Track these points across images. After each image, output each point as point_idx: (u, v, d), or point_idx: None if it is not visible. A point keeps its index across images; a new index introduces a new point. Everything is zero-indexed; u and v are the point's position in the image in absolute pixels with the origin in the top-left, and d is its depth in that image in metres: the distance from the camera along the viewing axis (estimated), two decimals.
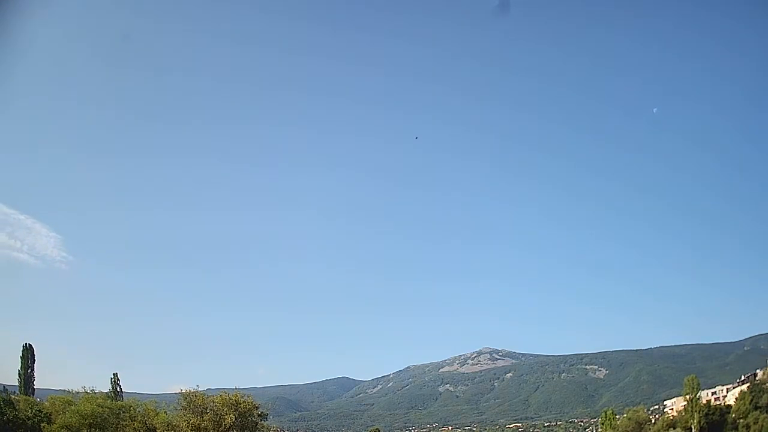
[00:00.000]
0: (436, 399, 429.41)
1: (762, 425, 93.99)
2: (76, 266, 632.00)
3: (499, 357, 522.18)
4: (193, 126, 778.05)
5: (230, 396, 56.21)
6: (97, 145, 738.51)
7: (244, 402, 56.65)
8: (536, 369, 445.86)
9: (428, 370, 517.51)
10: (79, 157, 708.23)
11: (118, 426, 59.18)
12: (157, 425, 57.76)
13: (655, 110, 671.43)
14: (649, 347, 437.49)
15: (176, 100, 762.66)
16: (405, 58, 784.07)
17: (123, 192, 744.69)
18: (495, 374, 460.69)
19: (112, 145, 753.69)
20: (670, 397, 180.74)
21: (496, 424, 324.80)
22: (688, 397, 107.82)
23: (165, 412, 61.62)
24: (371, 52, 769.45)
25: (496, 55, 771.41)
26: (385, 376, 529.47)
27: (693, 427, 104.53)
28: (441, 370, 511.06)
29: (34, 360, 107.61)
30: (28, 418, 62.89)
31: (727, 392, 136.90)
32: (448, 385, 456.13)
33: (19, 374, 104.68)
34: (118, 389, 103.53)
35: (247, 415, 56.94)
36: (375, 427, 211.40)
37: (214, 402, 55.36)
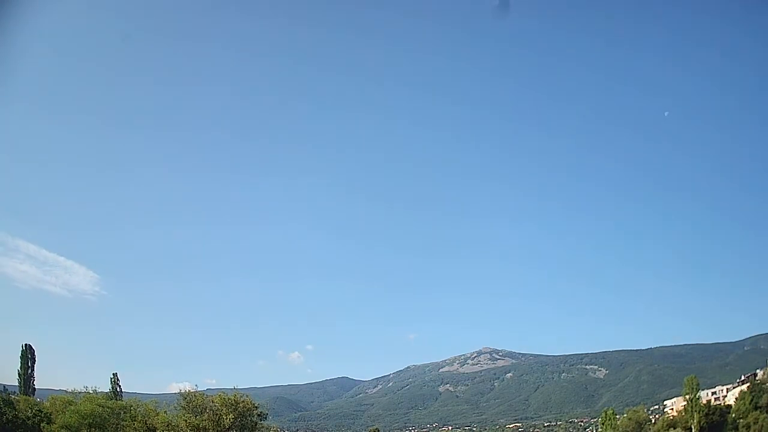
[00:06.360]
0: (436, 399, 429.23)
1: (762, 425, 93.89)
2: (104, 298, 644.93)
3: (499, 357, 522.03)
4: (203, 138, 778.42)
5: (229, 396, 56.19)
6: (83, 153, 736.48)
7: (243, 402, 56.69)
8: (536, 369, 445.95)
9: (428, 370, 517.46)
10: (80, 171, 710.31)
11: (118, 426, 59.13)
12: (157, 425, 57.74)
13: (666, 114, 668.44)
14: (649, 347, 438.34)
15: (179, 108, 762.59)
16: (401, 64, 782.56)
17: (122, 205, 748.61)
18: (495, 374, 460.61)
19: (103, 155, 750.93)
20: (670, 397, 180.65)
21: (496, 424, 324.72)
22: (688, 397, 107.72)
23: (165, 412, 61.63)
24: (364, 57, 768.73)
25: (496, 62, 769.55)
26: (385, 376, 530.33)
27: (693, 427, 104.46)
28: (441, 370, 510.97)
29: (34, 360, 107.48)
30: (28, 418, 62.79)
31: (727, 392, 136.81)
32: (448, 385, 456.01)
33: (19, 374, 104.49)
34: (118, 389, 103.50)
35: (247, 415, 56.98)
36: (375, 427, 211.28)
37: (213, 402, 55.36)
